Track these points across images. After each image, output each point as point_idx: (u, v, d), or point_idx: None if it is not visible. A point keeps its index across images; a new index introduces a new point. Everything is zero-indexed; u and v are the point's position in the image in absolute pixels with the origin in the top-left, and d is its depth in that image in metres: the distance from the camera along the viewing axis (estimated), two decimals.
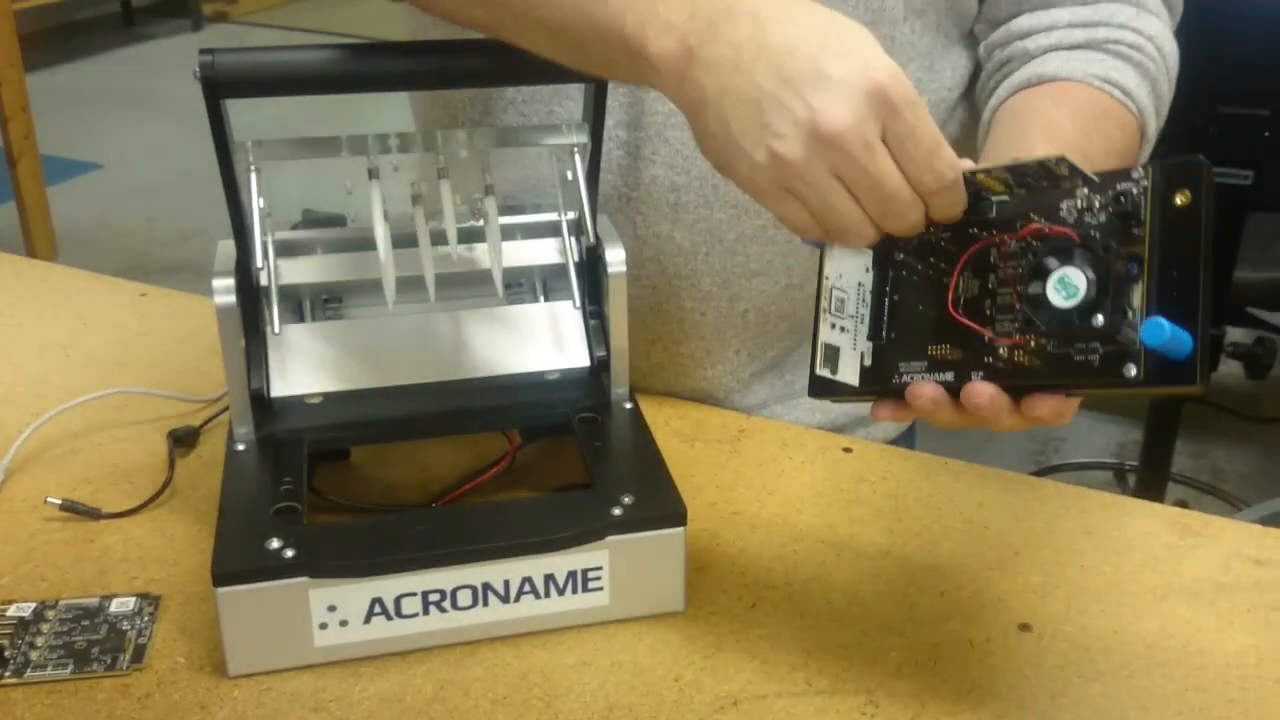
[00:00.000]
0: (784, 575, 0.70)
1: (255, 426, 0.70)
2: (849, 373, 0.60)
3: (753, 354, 0.89)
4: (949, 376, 0.56)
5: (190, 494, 0.77)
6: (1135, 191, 0.51)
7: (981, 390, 0.54)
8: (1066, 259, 0.53)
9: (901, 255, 0.59)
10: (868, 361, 0.60)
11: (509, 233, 0.76)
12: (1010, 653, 0.64)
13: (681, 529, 0.65)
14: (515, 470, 0.76)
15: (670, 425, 0.85)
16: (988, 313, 0.56)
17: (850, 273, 0.60)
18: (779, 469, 0.80)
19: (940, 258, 0.58)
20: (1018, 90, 0.78)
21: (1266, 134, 1.55)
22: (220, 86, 0.62)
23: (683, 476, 0.71)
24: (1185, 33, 0.84)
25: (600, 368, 0.75)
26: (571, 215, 0.76)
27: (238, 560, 0.61)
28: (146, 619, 0.66)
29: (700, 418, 0.86)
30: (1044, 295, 0.53)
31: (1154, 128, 0.79)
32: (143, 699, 0.61)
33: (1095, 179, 0.53)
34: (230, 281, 0.67)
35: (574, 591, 0.65)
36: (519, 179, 0.82)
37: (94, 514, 0.74)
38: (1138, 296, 0.51)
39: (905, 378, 0.58)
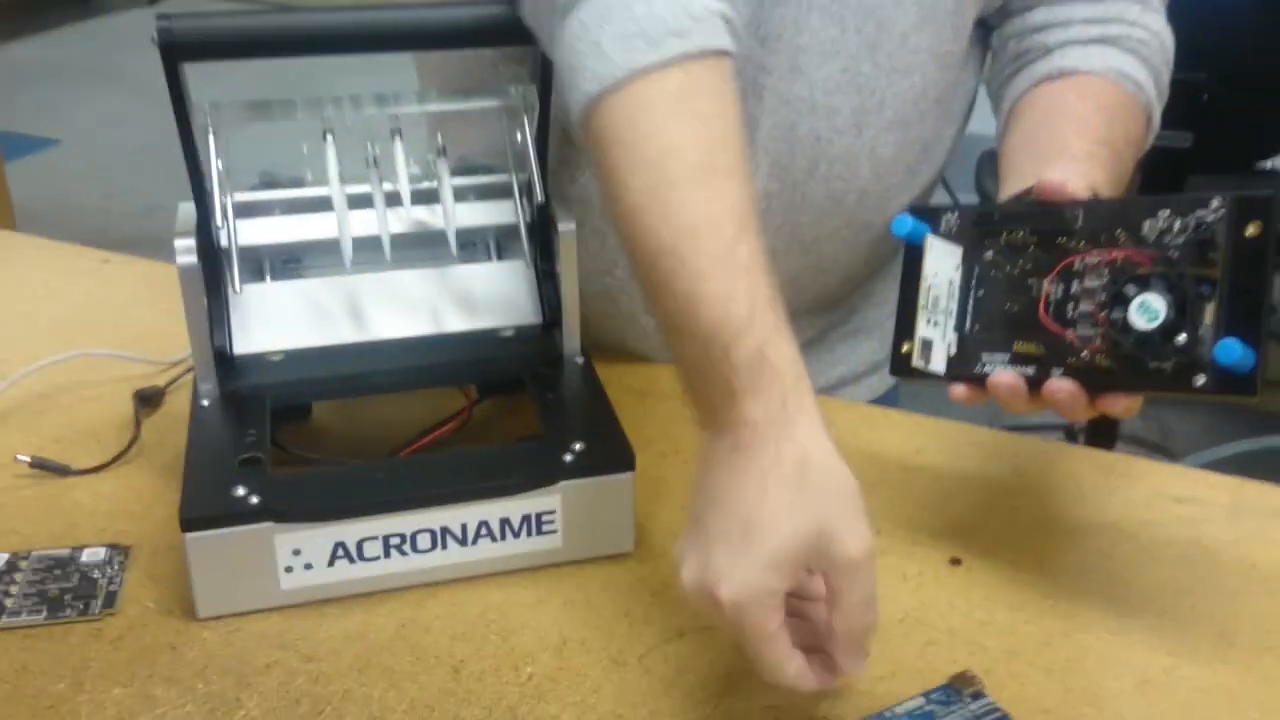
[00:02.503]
0: None
1: (219, 383, 0.73)
2: (938, 362, 0.66)
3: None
4: (1030, 370, 0.63)
5: (157, 451, 0.79)
6: (1212, 220, 0.58)
7: (1063, 386, 0.61)
8: (1144, 285, 0.59)
9: (990, 254, 0.65)
10: (953, 351, 0.66)
11: (462, 194, 0.79)
12: (941, 584, 0.68)
13: (630, 473, 0.68)
14: (472, 425, 0.79)
15: (623, 381, 0.87)
16: (1069, 315, 0.62)
17: (945, 270, 0.66)
18: None
19: (1026, 260, 0.64)
20: (1039, 83, 0.82)
21: (1205, 97, 1.59)
22: (178, 50, 0.64)
23: (634, 429, 0.73)
24: None
25: (552, 324, 0.78)
26: (523, 176, 0.79)
27: (205, 507, 0.63)
28: (116, 567, 0.68)
29: (652, 374, 0.89)
30: (1127, 319, 0.59)
31: (1158, 117, 0.84)
32: (115, 641, 0.63)
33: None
34: (191, 242, 0.70)
35: (528, 534, 0.68)
36: (476, 140, 0.84)
37: (63, 470, 0.76)
38: (1209, 315, 0.57)
39: (987, 367, 0.64)
